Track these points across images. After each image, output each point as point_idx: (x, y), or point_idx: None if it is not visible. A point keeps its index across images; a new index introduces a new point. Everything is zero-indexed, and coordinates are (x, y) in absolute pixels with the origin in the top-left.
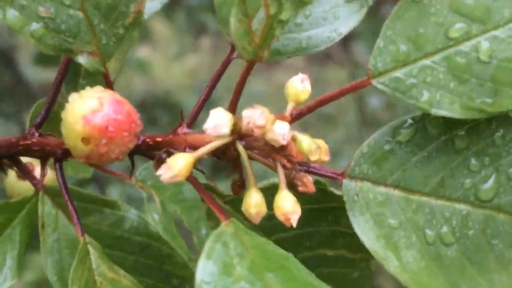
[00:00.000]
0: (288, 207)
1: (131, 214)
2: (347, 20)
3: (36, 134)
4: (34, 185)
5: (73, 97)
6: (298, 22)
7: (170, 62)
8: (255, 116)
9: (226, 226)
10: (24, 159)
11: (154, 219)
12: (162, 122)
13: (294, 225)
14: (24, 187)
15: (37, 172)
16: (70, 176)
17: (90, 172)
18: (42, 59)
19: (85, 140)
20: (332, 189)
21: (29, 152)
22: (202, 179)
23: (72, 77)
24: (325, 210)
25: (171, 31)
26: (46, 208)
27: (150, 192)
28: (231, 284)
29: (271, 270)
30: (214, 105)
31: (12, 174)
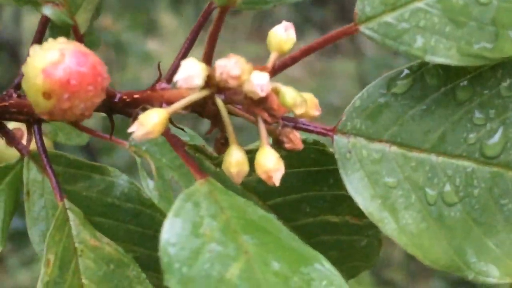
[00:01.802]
0: (270, 164)
1: (122, 180)
2: None
3: (15, 95)
4: (19, 150)
5: (34, 50)
6: None
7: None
8: (229, 66)
9: (200, 185)
10: (14, 125)
11: (148, 185)
12: None
13: (277, 184)
14: (12, 154)
15: (25, 138)
16: (64, 143)
17: (84, 138)
18: None
19: (46, 94)
20: (332, 150)
21: (8, 114)
22: (198, 141)
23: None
24: (325, 173)
25: (179, 23)
26: (32, 174)
27: (144, 158)
28: (200, 246)
29: (248, 232)
30: None
31: (1, 141)
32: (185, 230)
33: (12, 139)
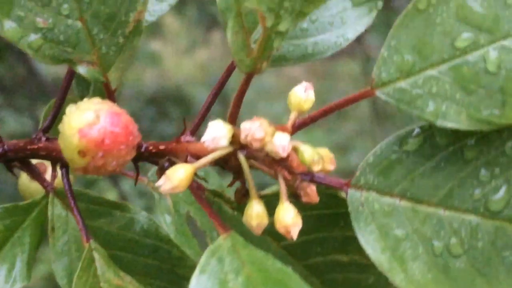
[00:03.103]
0: (288, 220)
1: (141, 216)
2: (355, 25)
3: (43, 139)
4: (44, 187)
5: (70, 109)
6: (304, 27)
7: (181, 56)
8: (253, 129)
9: (223, 240)
10: (37, 160)
11: (166, 220)
12: (173, 116)
13: (295, 238)
14: (37, 188)
15: (49, 173)
16: (90, 181)
17: None
18: None
19: (82, 153)
20: (343, 194)
21: (37, 156)
22: (214, 182)
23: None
24: (336, 216)
25: (182, 24)
26: (56, 210)
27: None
28: None
29: (267, 285)
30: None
31: (24, 174)
32: (211, 286)
33: (37, 175)
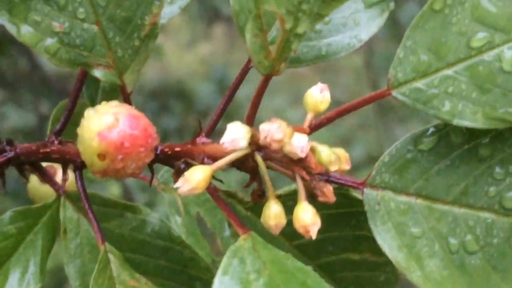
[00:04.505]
0: (307, 219)
1: (153, 218)
2: (368, 26)
3: (56, 142)
4: (56, 190)
5: (89, 113)
6: (318, 29)
7: (183, 50)
8: (272, 130)
9: (244, 241)
10: (47, 163)
11: (176, 221)
12: (175, 110)
13: (314, 237)
14: (47, 191)
15: (59, 175)
16: (93, 179)
17: None
18: None
19: (101, 156)
20: (355, 193)
21: (49, 159)
22: (226, 184)
23: (93, 81)
24: (348, 215)
25: (183, 18)
26: (68, 213)
27: (172, 195)
28: None
29: (289, 285)
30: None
31: (34, 178)
32: (233, 286)
33: (48, 179)
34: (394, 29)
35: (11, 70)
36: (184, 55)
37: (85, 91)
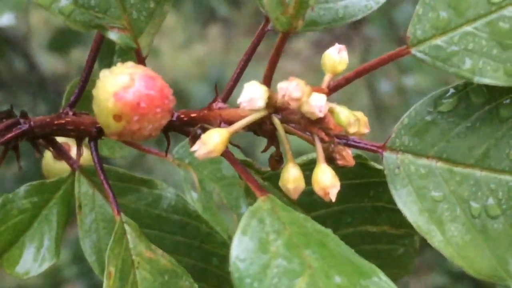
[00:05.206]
0: (326, 181)
1: (169, 193)
2: None
3: (70, 113)
4: (70, 165)
5: (104, 74)
6: None
7: (178, 51)
8: (290, 88)
9: (263, 202)
10: (60, 139)
11: (192, 197)
12: None
13: (333, 199)
14: (61, 168)
15: (73, 152)
16: (107, 156)
17: (126, 151)
18: (55, 46)
19: (117, 117)
20: (373, 163)
21: (63, 132)
22: (239, 155)
23: (105, 55)
24: (366, 185)
25: (178, 19)
26: (83, 188)
27: (187, 170)
28: (267, 261)
29: (309, 246)
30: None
31: (48, 154)
32: (253, 246)
33: (63, 154)
34: (390, 29)
35: (7, 71)
36: (180, 56)
37: (98, 67)
